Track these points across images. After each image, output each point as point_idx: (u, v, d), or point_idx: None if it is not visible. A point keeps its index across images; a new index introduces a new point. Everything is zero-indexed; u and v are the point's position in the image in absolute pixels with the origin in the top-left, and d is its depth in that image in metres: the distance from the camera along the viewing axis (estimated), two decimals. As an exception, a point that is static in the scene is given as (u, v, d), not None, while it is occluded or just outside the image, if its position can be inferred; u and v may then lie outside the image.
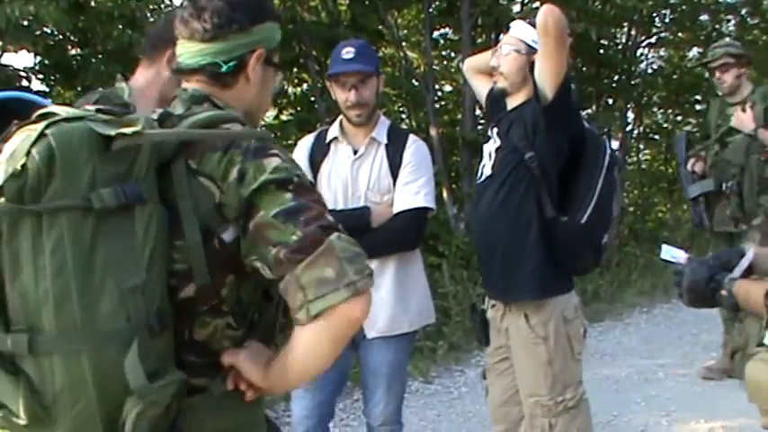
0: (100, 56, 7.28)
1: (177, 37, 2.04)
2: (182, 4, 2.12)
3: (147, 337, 1.67)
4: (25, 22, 6.15)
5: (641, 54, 15.17)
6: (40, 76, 7.43)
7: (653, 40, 15.02)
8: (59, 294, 1.58)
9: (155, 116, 1.81)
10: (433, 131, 11.53)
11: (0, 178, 1.57)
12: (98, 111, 1.72)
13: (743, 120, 6.00)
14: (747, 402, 2.52)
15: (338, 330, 1.68)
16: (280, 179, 1.75)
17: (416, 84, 12.54)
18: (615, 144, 15.29)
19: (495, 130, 3.89)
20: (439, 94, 13.54)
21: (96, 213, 1.60)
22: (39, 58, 7.33)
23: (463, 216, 11.04)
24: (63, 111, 1.71)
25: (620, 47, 14.59)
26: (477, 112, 11.83)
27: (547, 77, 3.49)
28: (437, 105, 12.75)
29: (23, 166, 1.57)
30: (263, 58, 2.05)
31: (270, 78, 2.12)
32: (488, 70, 4.04)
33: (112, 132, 1.64)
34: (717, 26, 15.61)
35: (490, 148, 3.90)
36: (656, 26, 14.88)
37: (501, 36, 4.05)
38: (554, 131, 3.65)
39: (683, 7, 14.26)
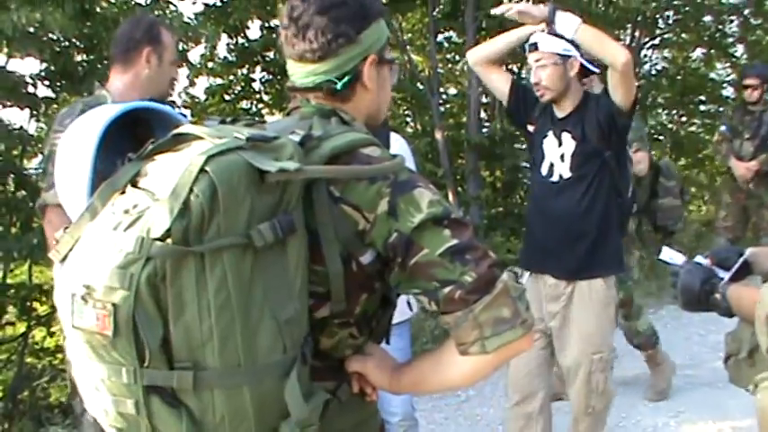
0: (106, 62, 7.27)
1: (286, 55, 2.02)
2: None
3: (300, 366, 1.73)
4: (31, 29, 6.14)
5: (645, 55, 15.18)
6: (46, 82, 7.41)
7: (657, 41, 15.03)
8: (223, 332, 1.60)
9: (297, 138, 1.78)
10: (438, 134, 11.55)
11: (167, 219, 1.58)
12: (249, 139, 1.71)
13: None
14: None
15: (505, 361, 1.83)
16: (437, 216, 1.79)
17: (421, 87, 12.57)
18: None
19: (567, 134, 4.22)
20: (444, 97, 13.55)
21: (255, 249, 1.62)
22: (44, 65, 7.32)
23: (469, 219, 11.03)
24: (204, 132, 1.73)
25: (624, 48, 14.58)
26: (483, 114, 11.84)
27: (624, 98, 4.03)
28: (442, 108, 12.76)
29: (186, 204, 1.58)
30: (375, 62, 2.04)
31: (386, 77, 2.11)
32: (499, 59, 4.41)
33: (273, 169, 1.64)
34: (720, 27, 15.60)
35: (561, 150, 4.25)
36: (660, 27, 14.88)
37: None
38: (626, 133, 4.30)
39: (687, 8, 14.25)
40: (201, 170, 1.60)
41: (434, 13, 12.83)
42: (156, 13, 8.38)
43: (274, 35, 12.75)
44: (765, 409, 2.15)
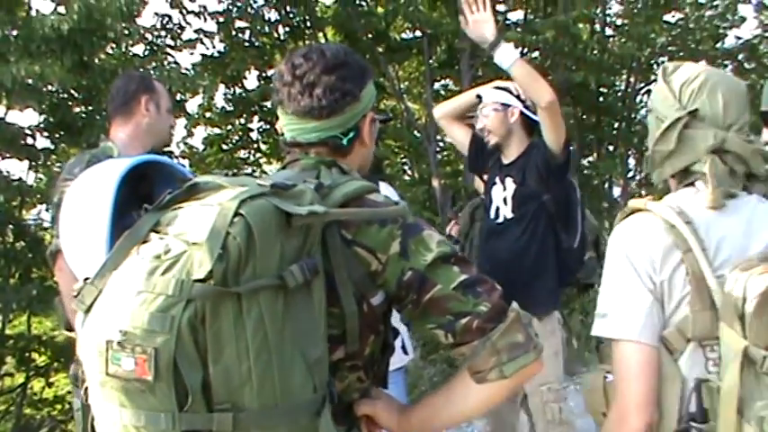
0: (104, 113, 7.33)
1: (277, 105, 2.04)
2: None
3: (329, 405, 1.75)
4: (30, 81, 6.21)
5: (641, 101, 15.30)
6: (45, 133, 7.47)
7: (652, 86, 15.14)
8: (261, 372, 1.61)
9: (312, 186, 1.82)
10: (435, 182, 11.61)
11: (208, 261, 1.59)
12: (272, 186, 1.74)
13: None
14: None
15: (519, 386, 1.91)
16: (446, 254, 1.85)
17: (418, 135, 12.65)
18: (617, 191, 15.37)
19: (509, 179, 4.42)
20: (440, 144, 13.63)
21: (285, 290, 1.64)
22: (43, 116, 7.38)
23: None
24: (225, 181, 1.76)
25: (619, 94, 14.74)
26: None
27: (555, 139, 4.15)
28: (439, 156, 12.84)
29: (225, 247, 1.60)
30: (372, 119, 2.10)
31: (375, 132, 2.16)
32: (461, 116, 4.71)
33: (303, 212, 1.68)
34: (715, 72, 15.73)
35: (504, 193, 4.45)
36: (655, 73, 15.00)
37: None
38: (563, 177, 4.37)
39: (681, 54, 14.39)
40: (236, 213, 1.62)
41: (430, 62, 12.96)
42: (154, 63, 8.49)
43: (271, 85, 12.80)
44: (591, 391, 2.18)
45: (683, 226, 1.99)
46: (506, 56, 4.11)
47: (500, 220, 4.50)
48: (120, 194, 1.96)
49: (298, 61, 1.99)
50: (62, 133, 7.44)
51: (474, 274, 1.85)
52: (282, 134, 2.07)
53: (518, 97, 4.45)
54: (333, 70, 1.97)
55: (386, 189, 4.10)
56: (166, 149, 6.01)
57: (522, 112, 4.44)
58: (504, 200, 4.47)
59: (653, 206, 2.07)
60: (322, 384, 1.71)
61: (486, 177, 4.71)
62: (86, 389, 1.75)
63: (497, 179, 4.53)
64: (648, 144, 2.20)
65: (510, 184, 4.45)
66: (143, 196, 1.90)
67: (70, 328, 3.39)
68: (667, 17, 14.80)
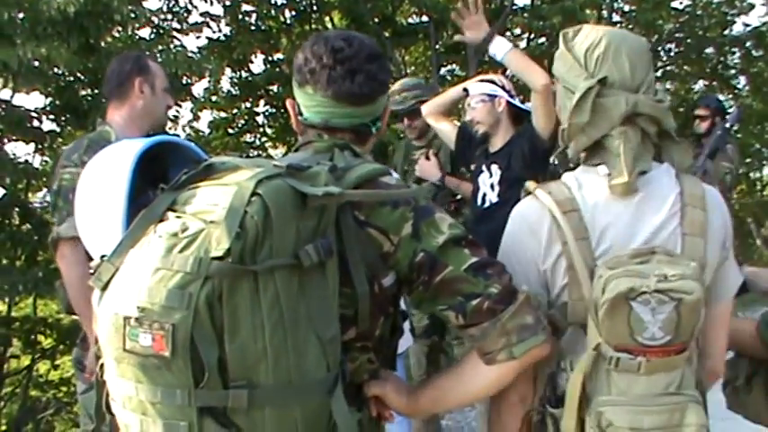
0: (109, 96, 7.33)
1: (303, 85, 2.05)
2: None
3: (342, 384, 1.77)
4: (36, 64, 6.21)
5: (647, 87, 15.24)
6: (51, 116, 7.47)
7: (659, 73, 15.11)
8: (276, 350, 1.63)
9: (326, 168, 1.84)
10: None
11: (226, 239, 1.61)
12: (288, 167, 1.76)
13: (426, 168, 5.36)
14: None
15: (527, 366, 1.91)
16: (457, 237, 1.89)
17: (423, 120, 12.62)
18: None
19: (495, 165, 4.60)
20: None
21: (300, 269, 1.67)
22: (49, 99, 7.38)
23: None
24: (242, 162, 1.79)
25: (626, 81, 14.68)
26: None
27: (544, 125, 4.30)
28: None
29: (242, 225, 1.62)
30: (388, 109, 2.17)
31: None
32: (447, 111, 5.00)
33: (319, 192, 1.71)
34: (722, 59, 15.71)
35: (491, 179, 4.60)
36: (662, 60, 14.98)
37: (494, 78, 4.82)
38: (548, 161, 4.46)
39: (689, 41, 14.37)
40: (253, 193, 1.65)
41: (437, 47, 12.93)
42: (160, 47, 8.47)
43: (278, 69, 12.88)
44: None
45: (562, 217, 2.00)
46: (500, 48, 4.25)
47: (486, 205, 4.65)
48: (135, 175, 1.98)
49: (339, 44, 2.01)
50: (68, 116, 7.42)
51: (484, 257, 1.89)
52: (300, 114, 2.08)
53: (503, 87, 4.63)
54: (373, 59, 2.02)
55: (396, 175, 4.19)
56: (173, 132, 6.00)
57: (508, 102, 4.61)
58: (492, 186, 4.63)
59: (540, 193, 2.07)
60: (335, 363, 1.73)
61: (472, 167, 4.87)
62: (101, 365, 1.77)
63: (484, 167, 4.71)
64: (559, 115, 2.19)
65: (496, 171, 4.62)
66: (158, 176, 1.92)
67: (71, 312, 3.41)
68: (675, 3, 14.75)
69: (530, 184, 2.15)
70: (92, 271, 1.77)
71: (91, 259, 1.84)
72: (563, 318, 2.05)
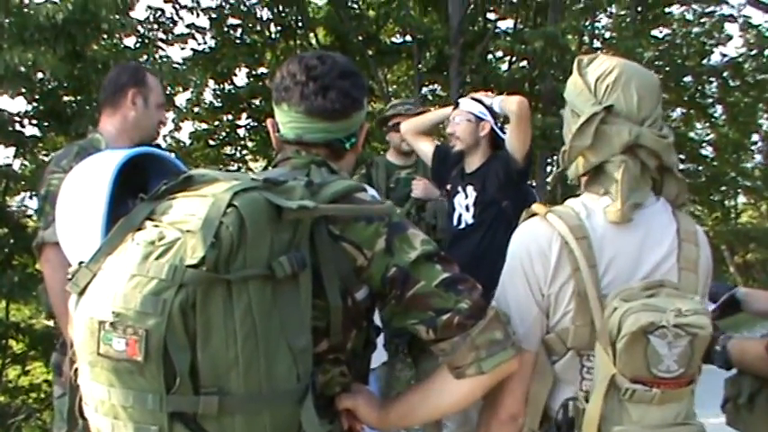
0: (94, 103, 7.35)
1: (279, 102, 2.08)
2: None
3: (312, 395, 1.79)
4: (22, 68, 6.22)
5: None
6: (34, 121, 7.48)
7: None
8: (248, 358, 1.66)
9: (303, 183, 1.87)
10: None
11: (201, 248, 1.64)
12: (265, 180, 1.80)
13: (428, 188, 5.29)
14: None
15: (496, 381, 1.90)
16: (429, 253, 1.89)
17: (404, 138, 12.69)
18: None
19: (470, 187, 4.61)
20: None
21: (274, 280, 1.70)
22: (33, 104, 7.39)
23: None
24: (220, 175, 1.83)
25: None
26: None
27: (519, 147, 4.40)
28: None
29: (217, 235, 1.65)
30: (365, 126, 2.19)
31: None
32: (426, 131, 5.02)
33: (293, 205, 1.74)
34: (700, 88, 15.92)
35: (466, 201, 4.63)
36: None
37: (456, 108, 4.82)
38: (522, 184, 4.65)
39: (668, 69, 14.54)
40: (229, 204, 1.68)
41: (419, 66, 13.04)
42: (146, 56, 8.50)
43: (261, 83, 12.93)
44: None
45: (575, 243, 2.01)
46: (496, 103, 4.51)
47: (462, 226, 4.66)
48: (116, 184, 2.02)
49: (312, 63, 2.05)
50: (51, 122, 7.42)
51: (456, 273, 1.90)
52: (278, 131, 2.13)
53: (491, 111, 4.63)
54: (346, 77, 2.05)
55: (371, 190, 4.21)
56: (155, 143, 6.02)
57: (491, 128, 4.63)
58: (467, 207, 4.65)
59: (552, 217, 2.07)
60: (306, 374, 1.76)
61: (449, 187, 4.87)
62: (75, 370, 1.81)
63: (459, 188, 4.71)
64: (564, 138, 2.20)
65: (471, 192, 4.63)
66: (138, 187, 1.96)
67: (52, 317, 3.42)
68: (655, 32, 14.98)
69: (537, 207, 2.15)
70: (69, 276, 1.80)
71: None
72: (562, 343, 2.06)
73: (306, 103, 2.02)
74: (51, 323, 3.49)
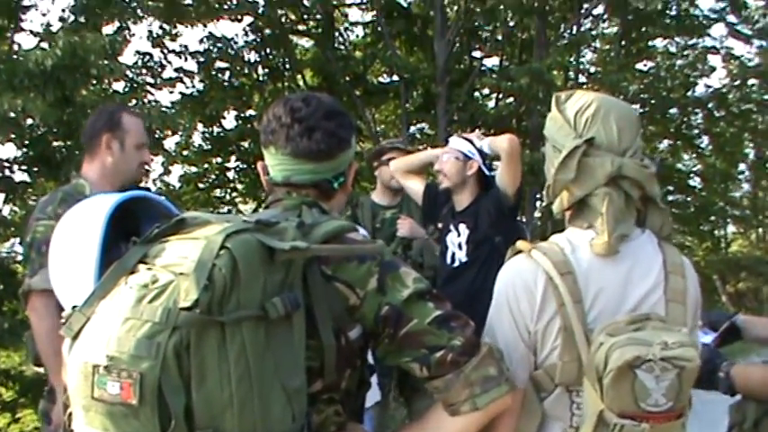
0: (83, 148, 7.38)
1: (267, 145, 2.09)
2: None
3: None
4: (12, 114, 6.25)
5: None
6: (23, 167, 7.49)
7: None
8: (242, 399, 1.66)
9: (294, 224, 1.88)
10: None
11: (195, 290, 1.64)
12: (257, 222, 1.80)
13: (413, 227, 5.32)
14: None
15: (491, 417, 1.91)
16: (422, 291, 1.90)
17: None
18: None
19: (462, 225, 4.64)
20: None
21: (267, 321, 1.70)
22: (23, 150, 7.41)
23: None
24: (212, 217, 1.84)
25: (592, 140, 14.89)
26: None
27: (510, 183, 4.46)
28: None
29: (211, 277, 1.66)
30: (354, 166, 2.20)
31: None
32: (416, 170, 5.04)
33: (286, 246, 1.75)
34: (686, 119, 16.04)
35: (459, 239, 4.65)
36: (627, 120, 15.18)
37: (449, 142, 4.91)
38: (513, 220, 4.70)
39: (653, 102, 14.66)
40: (222, 247, 1.68)
41: (407, 106, 13.12)
42: (134, 101, 8.55)
43: (249, 125, 12.98)
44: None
45: (560, 279, 2.02)
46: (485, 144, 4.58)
47: (455, 264, 4.67)
48: (109, 228, 2.03)
49: (297, 105, 2.06)
50: (40, 167, 7.44)
51: (448, 310, 1.91)
52: (268, 174, 2.14)
53: (480, 151, 4.67)
54: (331, 117, 2.06)
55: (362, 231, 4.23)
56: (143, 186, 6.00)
57: (479, 167, 4.66)
58: (459, 245, 4.67)
59: (536, 253, 2.09)
60: (301, 414, 1.76)
61: (440, 226, 4.90)
62: (69, 414, 1.79)
63: (451, 226, 4.73)
64: (546, 174, 2.21)
65: (464, 230, 4.66)
66: (131, 230, 1.97)
67: (39, 364, 3.38)
68: (639, 65, 15.11)
69: (522, 244, 2.16)
70: (63, 320, 1.80)
71: (62, 312, 1.87)
72: (550, 379, 2.07)
73: (292, 145, 2.04)
74: (41, 369, 3.44)
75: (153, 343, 1.62)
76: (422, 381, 1.91)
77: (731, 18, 15.23)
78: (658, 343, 1.88)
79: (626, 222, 2.09)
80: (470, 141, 4.70)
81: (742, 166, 19.44)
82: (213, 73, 12.47)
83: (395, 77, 13.37)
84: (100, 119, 3.57)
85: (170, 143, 11.90)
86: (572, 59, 13.65)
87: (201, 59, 12.17)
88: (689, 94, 15.59)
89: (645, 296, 2.07)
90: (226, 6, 11.74)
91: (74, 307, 1.79)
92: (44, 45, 6.78)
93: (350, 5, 14.25)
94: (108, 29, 8.24)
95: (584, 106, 2.15)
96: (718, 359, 2.61)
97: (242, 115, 13.19)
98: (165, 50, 11.43)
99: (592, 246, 2.06)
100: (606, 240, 2.03)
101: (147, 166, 3.73)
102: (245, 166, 13.47)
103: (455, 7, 13.23)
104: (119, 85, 8.86)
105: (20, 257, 7.67)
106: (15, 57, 6.58)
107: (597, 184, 2.08)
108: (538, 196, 13.75)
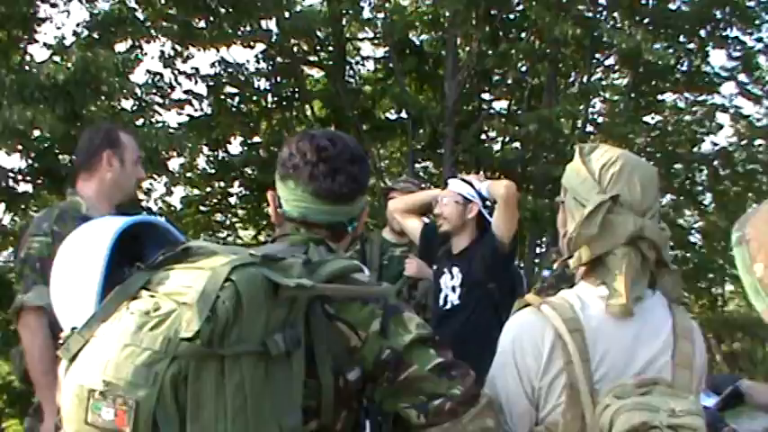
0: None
1: (286, 179, 2.07)
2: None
3: None
4: (21, 126, 6.26)
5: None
6: (28, 178, 7.49)
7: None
8: None
9: (301, 261, 1.87)
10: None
11: (197, 321, 1.63)
12: (263, 257, 1.79)
13: (422, 268, 5.18)
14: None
15: None
16: (424, 337, 1.88)
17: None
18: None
19: (456, 268, 4.61)
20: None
21: (267, 357, 1.68)
22: (29, 161, 7.42)
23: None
24: (218, 248, 1.83)
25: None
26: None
27: (505, 230, 4.41)
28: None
29: (214, 309, 1.64)
30: (366, 210, 2.19)
31: None
32: (413, 210, 5.03)
33: (291, 283, 1.73)
34: (690, 175, 16.08)
35: (452, 282, 4.62)
36: (632, 172, 15.21)
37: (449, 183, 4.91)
38: (508, 267, 4.68)
39: (659, 155, 14.69)
40: (227, 279, 1.67)
41: (413, 143, 13.14)
42: (142, 120, 8.56)
43: (255, 152, 13.00)
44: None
45: (569, 336, 1.99)
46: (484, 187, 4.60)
47: (447, 306, 4.64)
48: (113, 251, 2.00)
49: (324, 143, 2.04)
50: (45, 180, 7.44)
51: (449, 358, 1.89)
52: (280, 206, 2.11)
53: (479, 194, 4.66)
54: (355, 161, 2.05)
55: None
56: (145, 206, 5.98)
57: (479, 210, 4.65)
58: (453, 288, 4.65)
59: (546, 308, 2.05)
60: None
61: (435, 267, 4.90)
62: None
63: (446, 269, 4.72)
64: (567, 226, 2.17)
65: (457, 273, 4.64)
66: (135, 255, 1.95)
67: (26, 381, 3.34)
68: (647, 119, 15.16)
69: (531, 298, 2.13)
70: (61, 341, 1.78)
71: (54, 330, 1.85)
72: None
73: (314, 184, 2.01)
74: (27, 386, 3.39)
75: (151, 371, 1.60)
76: (418, 428, 1.88)
77: (742, 77, 15.29)
78: (665, 410, 1.85)
79: (641, 284, 2.05)
80: (470, 184, 4.68)
81: (744, 226, 19.42)
82: (222, 97, 12.50)
83: (403, 114, 13.42)
84: (96, 137, 3.58)
85: (174, 164, 11.92)
86: (581, 108, 13.69)
87: (211, 83, 12.21)
88: (695, 150, 15.64)
89: (653, 359, 2.04)
90: (239, 32, 11.77)
91: (73, 328, 1.76)
92: (56, 58, 6.79)
93: (362, 40, 14.31)
94: (121, 46, 8.28)
95: (610, 161, 2.12)
96: (719, 423, 2.58)
97: (248, 142, 13.22)
98: (176, 72, 11.47)
99: (608, 306, 2.02)
100: (624, 303, 2.00)
101: (141, 182, 3.76)
102: (247, 192, 13.48)
103: (467, 48, 13.28)
104: (127, 104, 8.90)
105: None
106: (27, 69, 6.59)
107: (617, 242, 2.05)
108: (538, 242, 13.79)
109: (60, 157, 7.64)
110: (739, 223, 1.77)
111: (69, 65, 6.48)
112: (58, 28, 12.95)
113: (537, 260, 13.41)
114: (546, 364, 2.01)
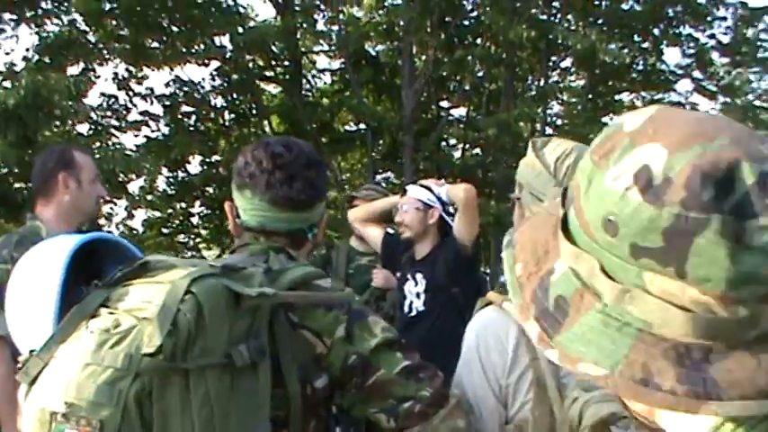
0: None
1: (242, 188, 2.03)
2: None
3: None
4: (-28, 155, 6.17)
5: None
6: (-17, 209, 7.38)
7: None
8: None
9: (261, 270, 1.83)
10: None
11: (158, 336, 1.59)
12: (223, 267, 1.76)
13: (388, 278, 5.16)
14: None
15: None
16: (390, 340, 1.87)
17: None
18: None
19: (420, 274, 4.60)
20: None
21: (232, 369, 1.65)
22: (-18, 192, 7.31)
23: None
24: (177, 261, 1.79)
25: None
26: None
27: (467, 233, 4.42)
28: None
29: (175, 323, 1.61)
30: (324, 217, 2.18)
31: None
32: (373, 218, 4.98)
33: (252, 292, 1.70)
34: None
35: (417, 288, 4.62)
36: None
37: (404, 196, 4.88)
38: (472, 270, 4.66)
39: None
40: (187, 291, 1.64)
41: (373, 154, 13.15)
42: (98, 143, 8.47)
43: (215, 171, 12.94)
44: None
45: None
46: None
47: (413, 313, 4.67)
48: (69, 270, 1.95)
49: (278, 150, 2.01)
50: (1, 209, 7.33)
51: (417, 361, 1.88)
52: (238, 216, 2.08)
53: (439, 198, 4.65)
54: (311, 166, 2.02)
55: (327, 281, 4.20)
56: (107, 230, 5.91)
57: (440, 215, 4.63)
58: (417, 294, 4.66)
59: (508, 305, 2.02)
60: None
61: (398, 275, 4.89)
62: None
63: (409, 275, 4.73)
64: (518, 221, 2.16)
65: (421, 279, 4.65)
66: (92, 273, 1.90)
67: None
68: (605, 119, 15.29)
69: (493, 296, 2.11)
70: (20, 365, 1.72)
71: (16, 358, 1.80)
72: None
73: (271, 192, 1.98)
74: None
75: (114, 390, 1.56)
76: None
77: (697, 74, 15.50)
78: None
79: None
80: (429, 189, 4.67)
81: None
82: (179, 117, 12.43)
83: (362, 125, 13.44)
84: (51, 159, 3.54)
85: (134, 187, 11.83)
86: (539, 111, 13.78)
87: (167, 103, 12.13)
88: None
89: None
90: (193, 50, 11.70)
91: (31, 351, 1.72)
92: (6, 84, 6.68)
93: (318, 53, 14.30)
94: (73, 69, 8.18)
95: (563, 153, 2.11)
96: None
97: (207, 160, 13.13)
98: (131, 93, 11.38)
99: None
100: None
101: (101, 200, 3.71)
102: (209, 211, 13.40)
103: (423, 56, 13.31)
104: (83, 127, 8.81)
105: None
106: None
107: None
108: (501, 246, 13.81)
109: (16, 185, 7.52)
110: (511, 230, 1.77)
111: (21, 90, 6.38)
112: (8, 54, 13.05)
113: (501, 265, 13.44)
114: (512, 362, 2.00)
